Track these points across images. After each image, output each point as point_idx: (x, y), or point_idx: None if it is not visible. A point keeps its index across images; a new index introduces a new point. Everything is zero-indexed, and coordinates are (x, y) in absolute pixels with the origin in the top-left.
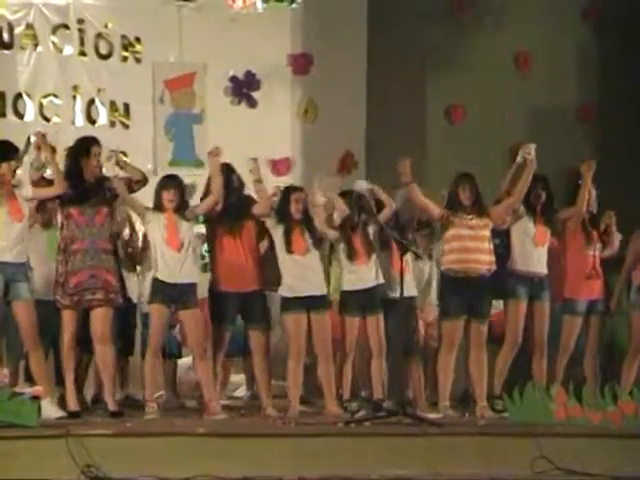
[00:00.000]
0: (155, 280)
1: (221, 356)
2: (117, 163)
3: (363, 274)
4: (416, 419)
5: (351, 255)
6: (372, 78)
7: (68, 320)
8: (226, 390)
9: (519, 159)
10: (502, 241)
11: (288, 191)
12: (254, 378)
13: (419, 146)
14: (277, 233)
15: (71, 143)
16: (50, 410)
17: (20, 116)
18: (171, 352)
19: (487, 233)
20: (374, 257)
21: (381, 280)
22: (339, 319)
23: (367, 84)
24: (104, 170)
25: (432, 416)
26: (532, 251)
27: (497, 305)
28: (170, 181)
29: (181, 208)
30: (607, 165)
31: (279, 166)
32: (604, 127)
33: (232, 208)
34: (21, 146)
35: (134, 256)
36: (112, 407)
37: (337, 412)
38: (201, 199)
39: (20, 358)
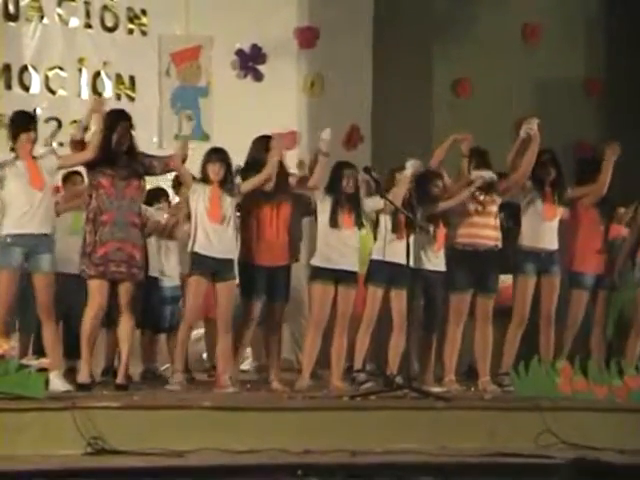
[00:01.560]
0: (194, 254)
1: (249, 329)
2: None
3: (397, 247)
4: (422, 393)
5: (395, 227)
6: (378, 52)
7: (96, 290)
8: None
9: (522, 134)
10: (510, 216)
11: (341, 166)
12: (260, 350)
13: (425, 120)
14: (324, 206)
15: (76, 116)
16: (57, 383)
17: (26, 89)
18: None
19: (494, 209)
20: (412, 236)
21: (411, 260)
22: (361, 294)
23: (373, 58)
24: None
25: (438, 390)
26: (541, 226)
27: (504, 279)
28: (216, 154)
29: (226, 182)
30: (614, 139)
31: (285, 140)
32: (611, 101)
33: (272, 183)
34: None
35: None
36: (120, 379)
37: (341, 387)
38: (242, 176)
39: (32, 330)
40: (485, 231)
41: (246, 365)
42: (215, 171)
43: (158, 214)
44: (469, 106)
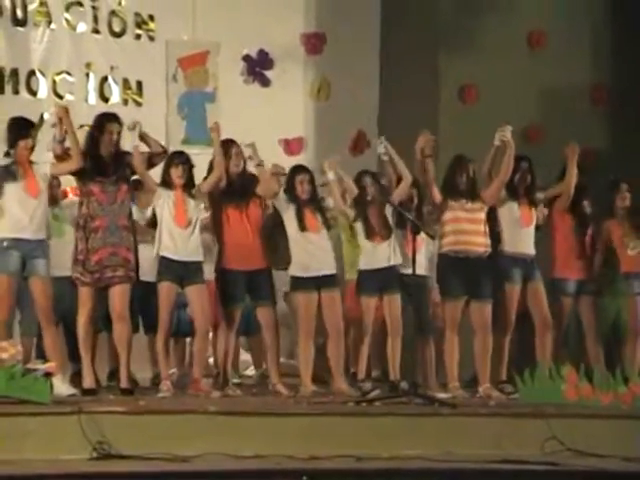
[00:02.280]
0: (162, 258)
1: (232, 335)
2: (139, 134)
3: (380, 253)
4: (427, 399)
5: (369, 234)
6: (385, 58)
7: (86, 298)
8: (237, 369)
9: (496, 141)
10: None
11: (293, 172)
12: (260, 356)
13: (431, 126)
14: (288, 213)
15: (83, 121)
16: (61, 387)
17: (33, 93)
18: (182, 331)
19: (482, 216)
20: (392, 236)
21: (399, 260)
22: (355, 299)
23: (380, 64)
24: (127, 147)
25: (443, 396)
26: (520, 233)
27: None
28: (178, 158)
29: (189, 186)
30: (619, 147)
31: (292, 145)
32: (617, 108)
33: (237, 185)
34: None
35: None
36: (124, 384)
37: (345, 389)
38: (205, 178)
39: (34, 335)
40: (475, 238)
41: (250, 371)
42: (178, 174)
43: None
44: (475, 112)
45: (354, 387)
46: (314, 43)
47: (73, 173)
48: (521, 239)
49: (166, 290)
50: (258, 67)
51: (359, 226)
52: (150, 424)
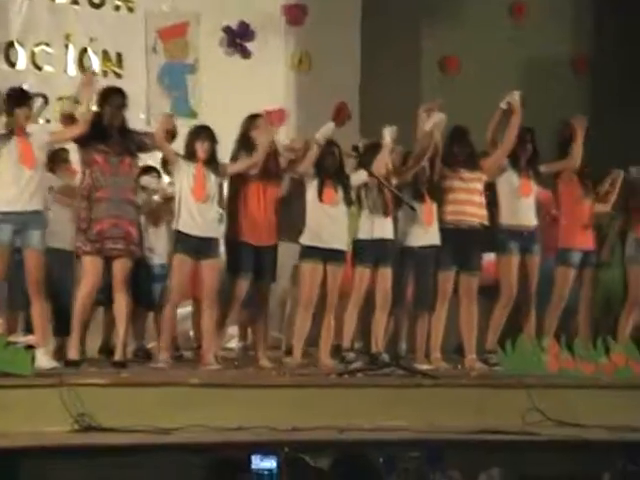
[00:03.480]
0: (178, 232)
1: (236, 306)
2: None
3: (384, 225)
4: (409, 371)
5: (385, 209)
6: (366, 29)
7: (90, 267)
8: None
9: (503, 105)
10: (492, 194)
11: (327, 145)
12: (247, 330)
13: (413, 97)
14: (311, 186)
15: (63, 92)
16: (43, 360)
17: (12, 64)
18: (150, 304)
19: (479, 186)
20: (399, 211)
21: (390, 234)
22: (345, 270)
23: (361, 35)
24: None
25: (425, 367)
26: (519, 203)
27: (487, 256)
28: (205, 132)
29: (211, 161)
30: (601, 117)
31: (273, 117)
32: (599, 79)
33: (266, 166)
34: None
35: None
36: (118, 356)
37: (330, 364)
38: (232, 158)
39: (21, 307)
40: (469, 208)
41: (232, 343)
42: (204, 149)
43: (153, 183)
44: (457, 83)
45: (337, 358)
46: (295, 14)
47: (76, 140)
48: (520, 209)
49: (180, 262)
50: (239, 38)
51: (373, 195)
52: (132, 396)
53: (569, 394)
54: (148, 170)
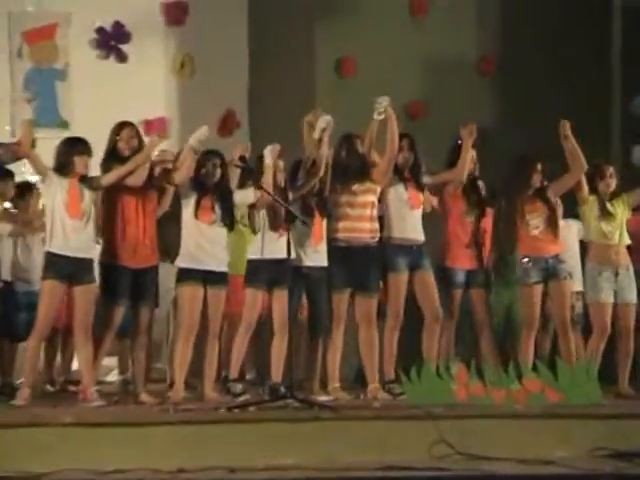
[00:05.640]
0: (49, 254)
1: (111, 336)
2: None
3: (277, 243)
4: (306, 403)
5: (274, 225)
6: (254, 29)
7: None
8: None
9: (375, 116)
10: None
11: (205, 156)
12: (127, 361)
13: (308, 102)
14: (188, 200)
15: None
16: None
17: None
18: (20, 335)
19: (371, 199)
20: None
21: (293, 254)
22: (232, 293)
23: (249, 36)
24: None
25: (323, 399)
26: (408, 215)
27: None
28: (84, 146)
29: (86, 175)
30: (508, 120)
31: (154, 127)
32: (506, 80)
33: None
34: None
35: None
36: None
37: (215, 397)
38: (102, 165)
39: None
40: (360, 224)
41: (112, 377)
42: (83, 163)
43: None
44: (354, 86)
45: (224, 390)
46: (175, 13)
47: None
48: (408, 223)
49: (50, 288)
50: (113, 40)
51: (262, 213)
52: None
53: (480, 424)
54: (24, 188)
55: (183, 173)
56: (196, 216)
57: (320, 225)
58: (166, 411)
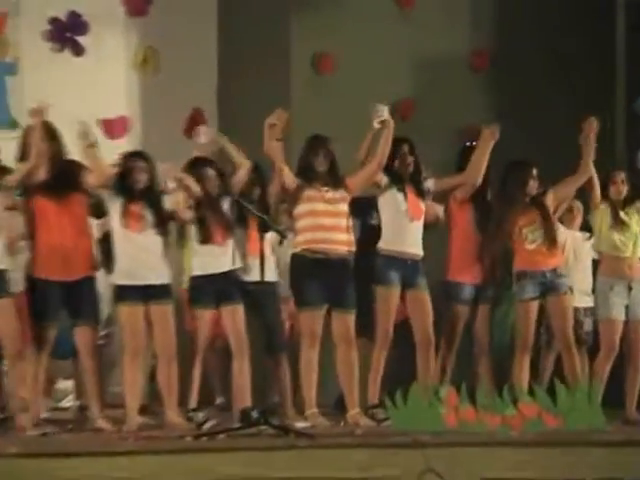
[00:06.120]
0: None
1: (44, 358)
2: None
3: (217, 256)
4: (281, 429)
5: (204, 237)
6: (224, 21)
7: None
8: (51, 400)
9: (375, 124)
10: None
11: (129, 158)
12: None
13: (282, 101)
14: (115, 207)
15: None
16: None
17: None
18: None
19: (345, 208)
20: (231, 237)
21: (238, 264)
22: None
23: (218, 29)
24: None
25: (300, 425)
26: (406, 227)
27: None
28: None
29: None
30: (504, 118)
31: (113, 127)
32: (500, 76)
33: (57, 177)
34: None
35: None
36: None
37: (178, 422)
38: (16, 165)
39: None
40: (336, 235)
41: (67, 402)
42: None
43: None
44: (333, 84)
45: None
46: (137, 3)
47: None
48: (406, 235)
49: None
50: (69, 32)
51: (192, 229)
52: None
53: (471, 453)
54: None
55: (100, 175)
56: (124, 225)
57: (254, 235)
58: (125, 439)
